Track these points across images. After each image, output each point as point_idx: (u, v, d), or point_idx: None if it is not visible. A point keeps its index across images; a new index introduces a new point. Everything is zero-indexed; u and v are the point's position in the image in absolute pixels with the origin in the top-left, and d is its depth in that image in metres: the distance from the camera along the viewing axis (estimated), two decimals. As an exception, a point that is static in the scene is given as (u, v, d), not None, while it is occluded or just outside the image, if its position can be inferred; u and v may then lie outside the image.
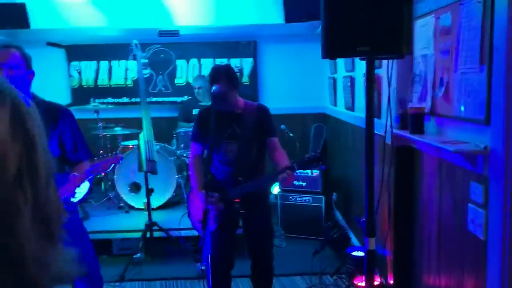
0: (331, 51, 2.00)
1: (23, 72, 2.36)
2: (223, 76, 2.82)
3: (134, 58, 4.34)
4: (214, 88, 2.78)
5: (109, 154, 2.27)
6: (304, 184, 5.08)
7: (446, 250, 2.62)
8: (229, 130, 2.90)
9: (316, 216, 5.01)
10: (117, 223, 4.79)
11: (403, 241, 3.23)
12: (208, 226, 2.54)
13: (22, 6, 5.59)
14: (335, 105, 5.61)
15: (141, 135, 4.10)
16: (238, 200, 2.84)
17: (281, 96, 6.36)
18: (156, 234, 4.40)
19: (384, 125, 3.34)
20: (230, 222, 2.95)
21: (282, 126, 5.61)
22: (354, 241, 4.69)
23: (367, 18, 1.91)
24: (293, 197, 5.10)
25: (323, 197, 5.02)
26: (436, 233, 2.75)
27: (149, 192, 4.12)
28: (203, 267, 4.00)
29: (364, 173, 2.24)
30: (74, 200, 2.30)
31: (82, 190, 2.27)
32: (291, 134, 5.51)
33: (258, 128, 2.90)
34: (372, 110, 2.14)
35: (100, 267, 2.73)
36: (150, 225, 4.18)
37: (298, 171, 2.74)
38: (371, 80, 2.10)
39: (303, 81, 6.28)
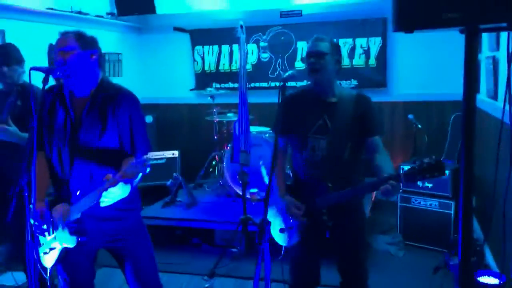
0: (405, 21, 1.40)
1: (77, 53, 2.21)
2: (326, 40, 2.37)
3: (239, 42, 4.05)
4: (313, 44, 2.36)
5: (142, 160, 1.97)
6: (430, 186, 4.30)
7: None
8: (319, 122, 2.39)
9: (443, 224, 4.22)
10: (222, 213, 4.63)
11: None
12: (266, 238, 2.13)
13: (149, -8, 5.71)
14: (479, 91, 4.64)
15: (236, 124, 3.81)
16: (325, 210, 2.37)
17: (414, 80, 5.53)
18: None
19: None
20: (315, 234, 2.44)
21: (410, 116, 4.85)
22: (490, 261, 3.82)
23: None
24: (416, 200, 4.37)
25: (453, 203, 4.19)
26: None
27: (245, 184, 3.83)
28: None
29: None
30: (102, 205, 2.06)
31: (112, 195, 2.02)
32: (419, 126, 4.72)
33: (356, 123, 2.36)
34: (472, 100, 1.49)
35: (158, 270, 2.51)
36: (245, 220, 3.91)
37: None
38: (471, 60, 1.45)
39: (443, 63, 5.35)
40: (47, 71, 2.14)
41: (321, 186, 2.34)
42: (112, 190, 1.97)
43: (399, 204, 4.46)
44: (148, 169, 1.92)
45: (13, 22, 4.36)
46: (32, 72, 2.11)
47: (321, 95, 2.42)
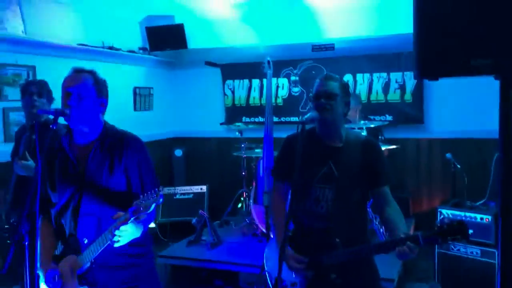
0: (428, 68, 1.23)
1: (92, 101, 2.12)
2: (337, 79, 2.21)
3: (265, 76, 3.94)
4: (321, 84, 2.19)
5: (154, 190, 1.90)
6: (470, 231, 3.97)
7: None
8: (324, 169, 2.17)
9: (486, 274, 3.85)
10: (247, 254, 4.43)
11: None
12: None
13: (180, 27, 5.75)
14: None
15: (260, 162, 3.66)
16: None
17: (453, 116, 5.25)
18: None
19: None
20: None
21: (448, 155, 4.55)
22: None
23: (485, 14, 1.11)
24: (455, 247, 4.04)
25: (496, 251, 3.84)
26: None
27: (269, 226, 3.65)
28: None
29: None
30: (116, 245, 1.96)
31: (124, 233, 1.92)
32: (458, 166, 4.42)
33: (363, 171, 2.15)
34: (509, 153, 1.29)
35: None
36: (268, 264, 3.69)
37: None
38: (506, 113, 1.25)
39: (483, 98, 5.03)
40: (56, 113, 2.05)
41: (327, 241, 2.11)
42: (124, 228, 1.89)
43: (436, 250, 4.14)
44: (161, 200, 1.85)
45: (44, 58, 4.42)
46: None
47: (327, 139, 2.22)
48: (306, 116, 2.12)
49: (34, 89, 3.19)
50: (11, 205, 3.13)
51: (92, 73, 2.18)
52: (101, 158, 2.14)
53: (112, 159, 2.14)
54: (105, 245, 1.98)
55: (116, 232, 1.90)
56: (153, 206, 1.86)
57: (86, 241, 2.09)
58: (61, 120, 2.14)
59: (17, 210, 3.06)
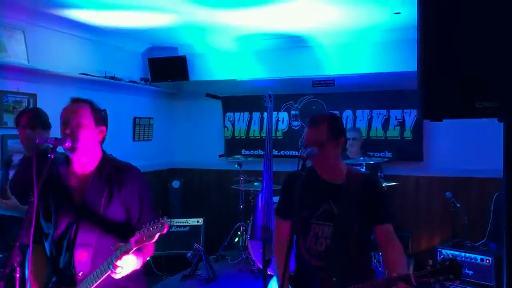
0: (433, 109, 1.22)
1: (90, 130, 2.11)
2: (325, 120, 2.14)
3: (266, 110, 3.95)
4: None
5: (158, 220, 1.87)
6: (470, 273, 3.91)
7: None
8: (323, 206, 2.15)
9: (487, 318, 3.77)
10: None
11: None
12: None
13: (182, 60, 5.81)
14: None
15: (259, 197, 3.62)
16: None
17: (453, 154, 5.23)
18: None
19: None
20: None
21: (448, 194, 4.53)
22: None
23: (491, 57, 1.11)
24: (455, 288, 3.97)
25: (498, 294, 3.77)
26: None
27: (266, 263, 3.56)
28: None
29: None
30: (115, 276, 1.92)
31: (125, 263, 1.89)
32: (457, 205, 4.38)
33: (364, 209, 2.11)
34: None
35: None
36: (264, 302, 3.60)
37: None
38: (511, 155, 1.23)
39: (484, 137, 5.04)
40: (55, 143, 2.04)
41: (325, 279, 2.06)
42: (126, 258, 1.88)
43: (436, 290, 4.06)
44: (166, 229, 1.84)
45: (46, 86, 4.43)
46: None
47: (326, 176, 2.20)
48: (306, 152, 2.08)
49: (26, 121, 3.09)
50: None
51: (89, 102, 2.18)
52: (99, 188, 2.11)
53: (111, 189, 2.12)
54: (101, 279, 1.94)
55: (118, 263, 1.88)
56: (157, 235, 1.85)
57: (80, 274, 2.04)
58: (60, 149, 2.12)
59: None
